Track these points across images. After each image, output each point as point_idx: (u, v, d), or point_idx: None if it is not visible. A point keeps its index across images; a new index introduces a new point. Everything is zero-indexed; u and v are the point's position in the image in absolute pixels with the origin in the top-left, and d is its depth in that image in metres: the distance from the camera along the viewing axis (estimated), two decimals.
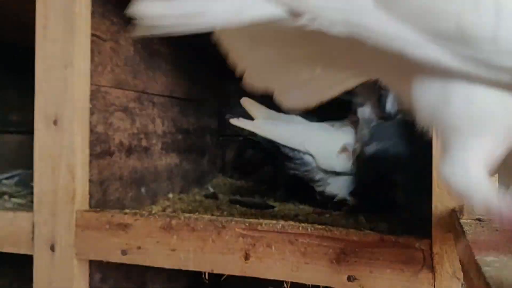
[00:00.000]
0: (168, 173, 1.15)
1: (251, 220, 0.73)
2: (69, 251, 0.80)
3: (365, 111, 0.98)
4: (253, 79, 0.50)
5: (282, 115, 1.01)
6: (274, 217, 0.93)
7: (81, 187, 0.82)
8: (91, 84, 0.85)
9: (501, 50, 0.34)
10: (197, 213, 0.90)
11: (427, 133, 0.40)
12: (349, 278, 0.65)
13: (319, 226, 0.68)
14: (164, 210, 1.00)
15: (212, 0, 0.40)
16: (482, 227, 0.48)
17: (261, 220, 0.73)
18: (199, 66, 1.13)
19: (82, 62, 0.82)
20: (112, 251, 0.78)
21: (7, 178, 1.27)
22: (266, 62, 0.49)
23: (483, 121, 0.36)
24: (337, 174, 0.98)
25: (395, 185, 0.91)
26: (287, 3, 0.39)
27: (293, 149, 0.98)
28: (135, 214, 0.77)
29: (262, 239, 0.69)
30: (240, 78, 0.50)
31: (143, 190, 1.04)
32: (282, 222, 0.71)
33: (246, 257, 0.70)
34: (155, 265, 0.76)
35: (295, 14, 0.39)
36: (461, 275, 0.62)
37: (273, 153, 1.03)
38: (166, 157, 1.14)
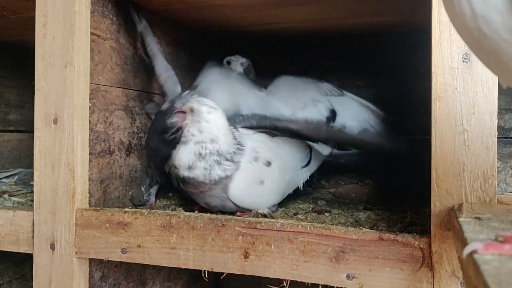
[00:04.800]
0: None
1: (250, 218, 0.73)
2: (69, 250, 0.80)
3: None
4: None
5: None
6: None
7: (81, 186, 0.82)
8: (91, 83, 0.85)
9: None
10: (197, 211, 0.90)
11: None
12: (348, 277, 0.66)
13: (318, 225, 0.68)
14: (164, 208, 1.00)
15: None
16: (481, 225, 0.48)
17: (260, 219, 0.73)
18: (199, 65, 1.13)
19: (82, 61, 0.82)
20: (112, 249, 0.78)
21: (7, 177, 1.27)
22: None
23: None
24: None
25: None
26: None
27: None
28: (135, 212, 0.77)
29: (261, 238, 0.69)
30: None
31: (143, 188, 1.04)
32: (281, 220, 0.71)
33: (246, 255, 0.70)
34: (155, 264, 0.76)
35: None
36: (460, 273, 0.62)
37: None
38: None
